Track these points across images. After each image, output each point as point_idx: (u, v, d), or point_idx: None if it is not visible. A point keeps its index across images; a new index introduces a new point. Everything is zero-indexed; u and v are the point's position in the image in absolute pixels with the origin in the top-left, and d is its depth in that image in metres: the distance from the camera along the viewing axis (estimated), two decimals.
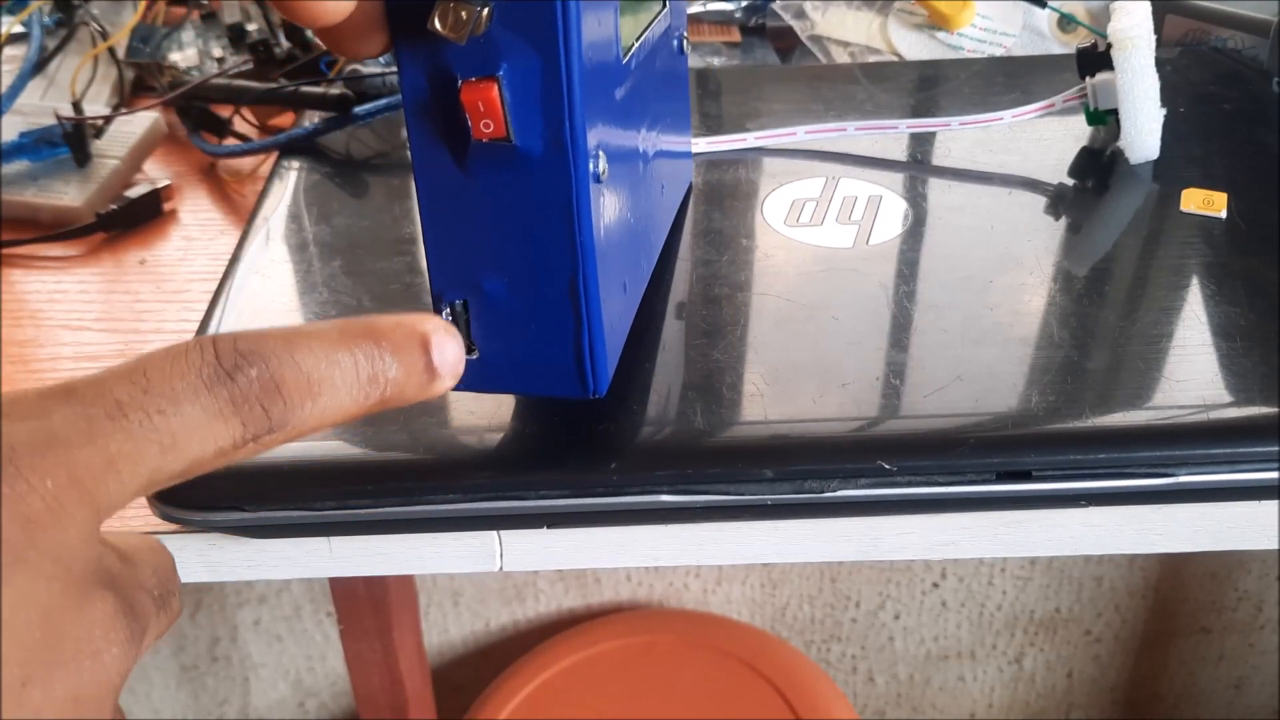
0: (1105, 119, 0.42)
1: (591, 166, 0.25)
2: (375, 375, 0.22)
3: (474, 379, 0.28)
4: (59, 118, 0.47)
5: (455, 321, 0.27)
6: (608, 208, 0.27)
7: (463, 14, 0.22)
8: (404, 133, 0.25)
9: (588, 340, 0.27)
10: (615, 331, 0.29)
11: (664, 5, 0.34)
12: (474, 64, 0.24)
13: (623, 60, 0.28)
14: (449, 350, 0.24)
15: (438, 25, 0.22)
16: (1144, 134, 0.40)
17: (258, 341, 0.21)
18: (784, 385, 0.31)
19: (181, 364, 0.20)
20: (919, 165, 0.42)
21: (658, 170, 0.35)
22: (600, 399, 0.28)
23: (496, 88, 0.24)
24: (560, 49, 0.23)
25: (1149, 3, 0.40)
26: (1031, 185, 0.40)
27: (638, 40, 0.31)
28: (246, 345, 0.20)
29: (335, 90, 0.47)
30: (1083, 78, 0.42)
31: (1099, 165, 0.42)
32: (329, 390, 0.21)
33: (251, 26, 0.55)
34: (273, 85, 0.49)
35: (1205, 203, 0.38)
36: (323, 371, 0.21)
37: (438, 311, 0.27)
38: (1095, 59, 0.41)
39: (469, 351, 0.27)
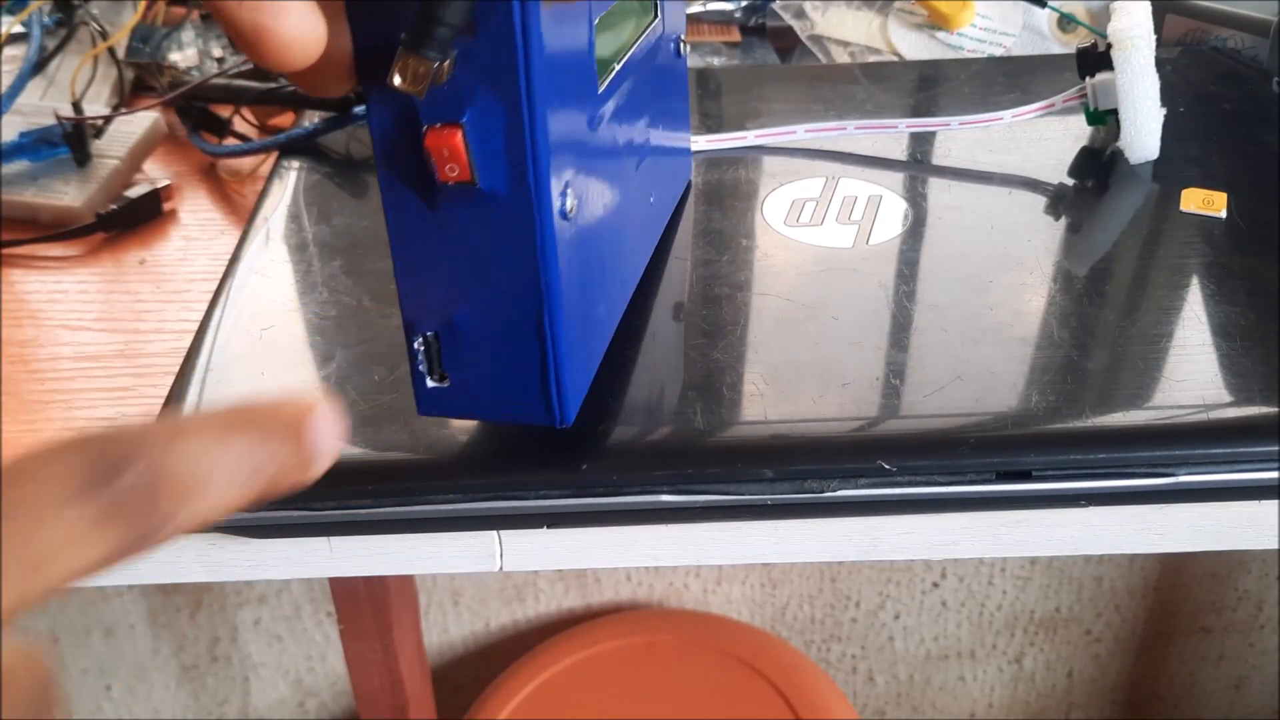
0: (1105, 119, 0.42)
1: (558, 204, 0.25)
2: (256, 469, 0.21)
3: (446, 406, 0.28)
4: (59, 118, 0.47)
5: (428, 351, 0.28)
6: (577, 241, 0.27)
7: (420, 69, 0.22)
8: None
9: (554, 373, 0.27)
10: (585, 360, 0.29)
11: (656, 14, 0.34)
12: (439, 110, 0.24)
13: (599, 89, 0.28)
14: (326, 437, 0.22)
15: (397, 80, 0.22)
16: (1144, 134, 0.40)
17: (135, 443, 0.19)
18: (784, 385, 0.31)
19: (57, 469, 0.18)
20: (919, 165, 0.42)
21: (645, 181, 0.35)
22: (566, 428, 0.29)
23: (461, 134, 0.24)
24: (523, 97, 0.24)
25: (1149, 3, 0.40)
26: (1031, 185, 0.40)
27: (622, 59, 0.31)
28: (123, 448, 0.19)
29: None
30: (1083, 78, 0.42)
31: (1099, 165, 0.42)
32: (210, 489, 0.20)
33: None
34: (272, 85, 0.49)
35: (1205, 202, 0.38)
36: (204, 470, 0.20)
37: (410, 341, 0.28)
38: (1095, 59, 0.41)
39: (441, 380, 0.28)
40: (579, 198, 0.26)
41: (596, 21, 0.28)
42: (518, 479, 0.30)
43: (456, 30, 0.22)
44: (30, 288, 0.43)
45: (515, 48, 0.23)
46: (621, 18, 0.31)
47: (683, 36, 0.38)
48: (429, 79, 0.22)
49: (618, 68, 0.30)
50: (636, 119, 0.33)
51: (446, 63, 0.23)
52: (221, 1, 0.21)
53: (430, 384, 0.28)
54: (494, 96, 0.24)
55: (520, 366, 0.27)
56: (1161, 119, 0.40)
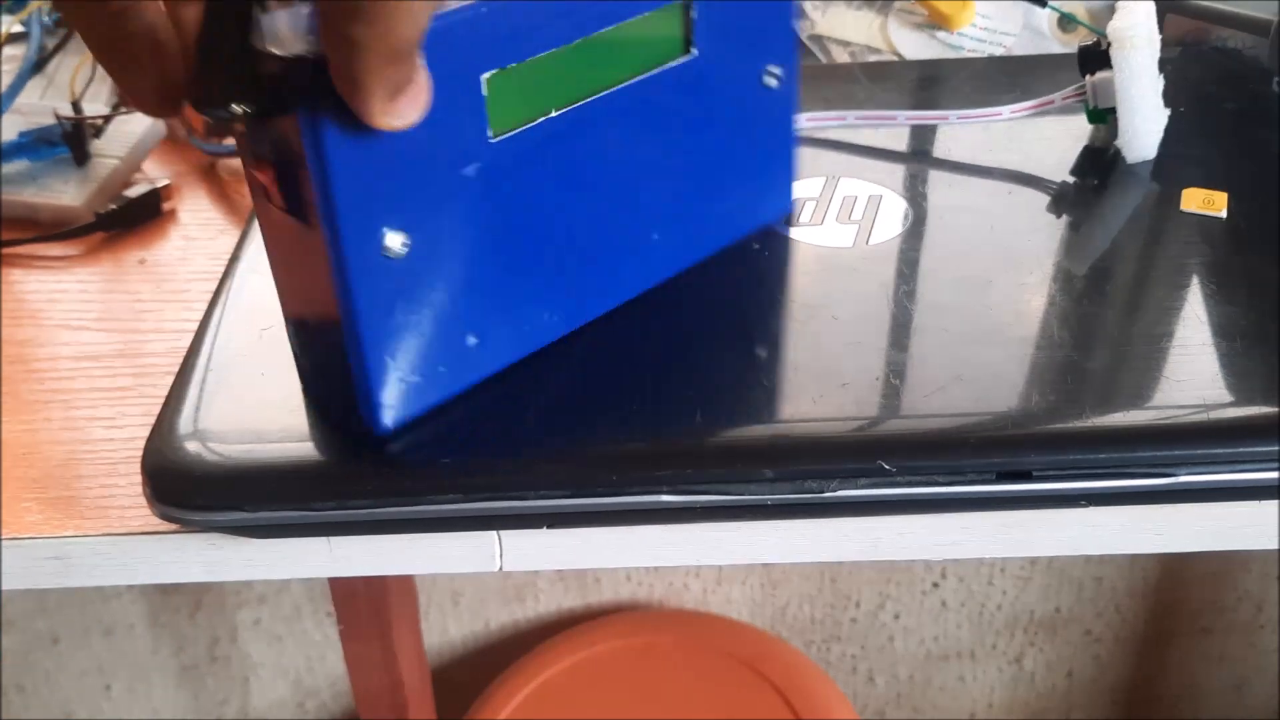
0: (1105, 117, 0.42)
1: (375, 243, 0.27)
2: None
3: (307, 382, 0.32)
4: (58, 117, 0.47)
5: (293, 334, 0.32)
6: (412, 276, 0.29)
7: (209, 123, 0.25)
8: None
9: (364, 387, 0.29)
10: (421, 383, 0.31)
11: (689, 49, 0.32)
12: (260, 150, 0.27)
13: (491, 137, 0.29)
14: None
15: (198, 126, 0.26)
16: (1141, 134, 0.40)
17: None
18: (784, 385, 0.31)
19: None
20: (919, 165, 0.42)
21: (644, 218, 0.34)
22: (384, 432, 0.30)
23: (273, 172, 0.27)
24: (310, 154, 0.25)
25: (1152, 2, 0.40)
26: (1032, 185, 0.40)
27: (572, 104, 0.30)
28: None
29: None
30: (1083, 75, 0.42)
31: (1100, 164, 0.42)
32: None
33: None
34: None
35: (1206, 202, 0.38)
36: None
37: (288, 327, 0.32)
38: (1096, 57, 0.41)
39: (303, 360, 0.32)
40: (423, 238, 0.28)
41: (491, 75, 0.28)
42: (518, 479, 0.30)
43: (234, 104, 0.24)
44: (30, 287, 0.43)
45: (298, 123, 0.25)
46: (590, 58, 0.30)
47: (772, 67, 0.35)
48: (219, 132, 0.25)
49: (555, 113, 0.30)
50: (618, 157, 0.32)
51: (241, 111, 0.24)
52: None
53: (298, 361, 0.32)
54: (290, 149, 0.26)
55: (341, 371, 0.29)
56: (1164, 119, 0.40)
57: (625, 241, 0.34)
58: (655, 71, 0.32)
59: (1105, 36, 0.40)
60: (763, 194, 0.38)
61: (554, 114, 0.30)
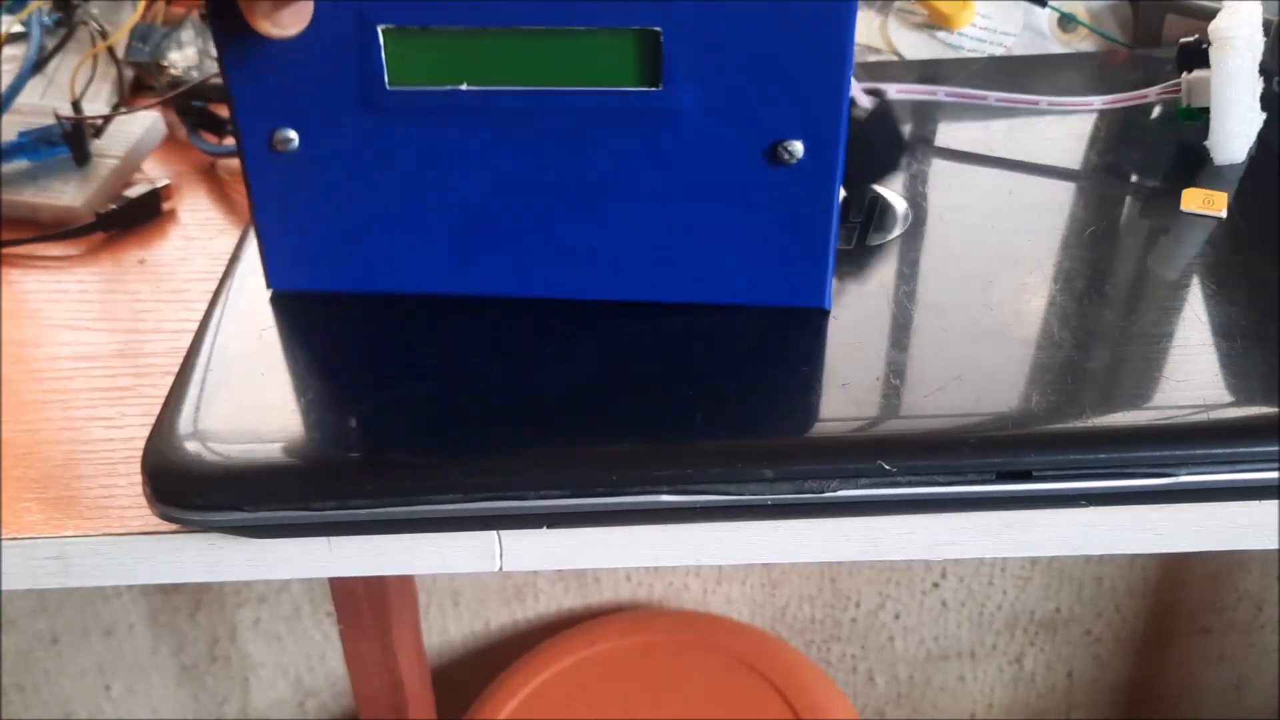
0: (1198, 116, 0.41)
1: (261, 137, 0.33)
2: None
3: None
4: (58, 117, 0.47)
5: None
6: (296, 171, 0.33)
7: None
8: None
9: (259, 244, 0.35)
10: (313, 261, 0.35)
11: (654, 82, 0.31)
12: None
13: (388, 83, 0.32)
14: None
15: None
16: (1230, 136, 0.39)
17: None
18: (784, 385, 0.31)
19: None
20: (918, 165, 0.42)
21: (576, 225, 0.33)
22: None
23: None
24: (220, 48, 0.32)
25: (1259, 2, 0.39)
26: (1031, 185, 0.40)
27: (487, 83, 0.32)
28: None
29: None
30: (1179, 73, 0.41)
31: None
32: None
33: None
34: None
35: (1206, 202, 0.38)
36: None
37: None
38: (1195, 55, 0.40)
39: None
40: (315, 144, 0.33)
41: (387, 29, 0.31)
42: (518, 479, 0.30)
43: None
44: (30, 287, 0.43)
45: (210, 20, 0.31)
46: (523, 52, 0.31)
47: (789, 143, 0.31)
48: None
49: (466, 87, 0.32)
50: (552, 155, 0.32)
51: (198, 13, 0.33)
52: None
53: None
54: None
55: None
56: (1259, 123, 0.39)
57: (558, 240, 0.34)
58: (607, 92, 0.31)
59: (1105, 37, 0.40)
60: (773, 273, 0.34)
61: (464, 87, 0.32)
